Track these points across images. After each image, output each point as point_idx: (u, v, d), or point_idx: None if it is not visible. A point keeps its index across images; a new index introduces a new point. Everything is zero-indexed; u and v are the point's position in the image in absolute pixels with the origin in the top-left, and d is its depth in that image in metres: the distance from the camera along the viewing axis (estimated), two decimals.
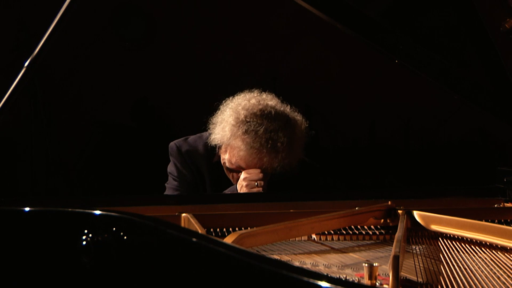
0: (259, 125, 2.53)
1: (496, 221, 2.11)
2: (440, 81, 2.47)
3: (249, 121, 2.54)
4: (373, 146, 6.53)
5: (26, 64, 2.13)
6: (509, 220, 2.15)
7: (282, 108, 2.62)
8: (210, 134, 2.65)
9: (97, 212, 1.56)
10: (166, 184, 2.80)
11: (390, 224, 2.12)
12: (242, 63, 6.26)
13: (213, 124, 2.65)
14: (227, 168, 2.65)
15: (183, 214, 2.03)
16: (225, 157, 2.63)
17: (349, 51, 5.48)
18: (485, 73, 2.44)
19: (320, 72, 6.43)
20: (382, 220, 2.13)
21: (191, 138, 2.77)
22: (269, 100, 2.63)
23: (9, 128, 5.48)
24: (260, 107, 2.58)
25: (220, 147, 2.66)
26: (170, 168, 2.77)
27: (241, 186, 2.57)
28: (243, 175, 2.57)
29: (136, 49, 6.17)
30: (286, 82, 6.30)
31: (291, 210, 2.12)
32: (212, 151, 2.69)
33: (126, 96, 5.93)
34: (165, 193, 2.74)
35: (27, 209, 1.65)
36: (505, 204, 2.30)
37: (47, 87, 5.78)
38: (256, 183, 2.54)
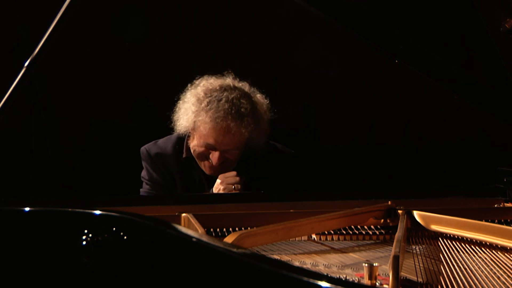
0: (220, 95, 2.58)
1: (496, 221, 2.11)
2: (440, 81, 2.47)
3: (209, 96, 2.59)
4: (373, 146, 6.53)
5: (26, 64, 2.13)
6: (509, 220, 2.15)
7: (241, 84, 2.69)
8: (178, 132, 2.68)
9: (97, 212, 1.56)
10: (140, 190, 2.81)
11: (390, 224, 2.12)
12: (242, 63, 6.26)
13: (176, 118, 2.67)
14: (198, 155, 2.64)
15: (183, 214, 2.03)
16: (194, 143, 2.63)
17: (349, 51, 5.47)
18: (485, 73, 2.44)
19: (320, 72, 6.43)
20: (382, 220, 2.13)
21: (161, 140, 2.78)
22: (228, 78, 2.69)
23: (9, 128, 5.47)
24: (219, 82, 2.65)
25: (188, 137, 2.68)
26: (143, 173, 2.79)
27: (218, 189, 2.57)
28: (219, 179, 2.59)
29: (136, 49, 6.17)
30: (286, 82, 6.30)
31: (291, 210, 2.12)
32: (181, 149, 2.71)
33: (126, 96, 5.93)
34: None
35: (27, 209, 1.65)
36: (505, 204, 2.30)
37: (47, 87, 5.78)
38: (233, 186, 2.55)
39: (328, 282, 1.16)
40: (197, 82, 2.70)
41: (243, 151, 2.68)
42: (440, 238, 1.98)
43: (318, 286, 1.16)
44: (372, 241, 2.02)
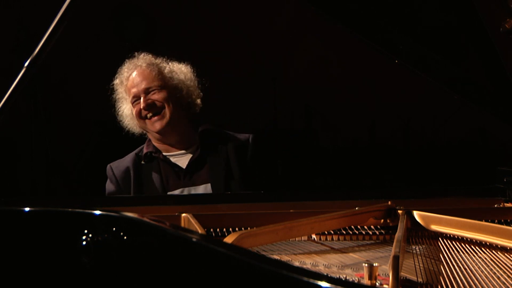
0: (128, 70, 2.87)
1: (496, 221, 2.11)
2: (440, 81, 2.47)
3: (126, 77, 2.87)
4: (373, 146, 6.53)
5: (26, 64, 2.13)
6: (509, 220, 2.15)
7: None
8: (124, 116, 2.91)
9: (97, 212, 1.56)
10: None
11: (390, 224, 2.11)
12: (242, 63, 6.27)
13: (118, 108, 2.93)
14: (137, 115, 2.82)
15: (183, 214, 2.03)
16: (134, 109, 2.83)
17: (349, 51, 5.48)
18: (485, 73, 2.44)
19: (320, 72, 6.43)
20: (382, 220, 2.13)
21: (126, 156, 2.93)
22: None
23: (9, 128, 5.47)
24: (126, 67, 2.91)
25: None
26: (106, 188, 2.89)
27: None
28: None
29: (136, 49, 6.17)
30: (286, 82, 6.30)
31: (291, 210, 2.12)
32: (140, 153, 2.88)
33: None
34: None
35: (27, 209, 1.65)
36: (505, 204, 2.30)
37: (47, 87, 5.78)
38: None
39: (328, 282, 1.16)
40: (115, 81, 2.95)
41: (177, 108, 2.82)
42: (440, 238, 1.98)
43: (318, 286, 1.16)
44: (372, 241, 2.02)
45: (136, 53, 2.91)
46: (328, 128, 6.49)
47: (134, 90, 2.81)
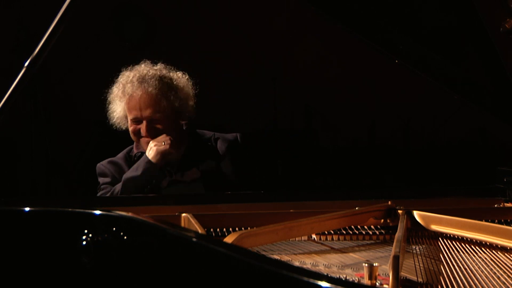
0: (129, 75, 2.85)
1: (496, 221, 2.11)
2: (440, 81, 2.47)
3: (124, 82, 2.84)
4: (373, 146, 6.53)
5: (26, 64, 2.13)
6: (509, 220, 2.15)
7: (156, 66, 2.92)
8: (115, 123, 2.90)
9: (97, 212, 1.56)
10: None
11: (390, 224, 2.11)
12: (242, 63, 6.26)
13: (110, 112, 2.89)
14: (134, 136, 2.82)
15: (183, 214, 2.03)
16: (129, 126, 2.82)
17: (349, 51, 5.47)
18: (485, 73, 2.43)
19: (320, 72, 6.43)
20: (382, 220, 2.13)
21: (115, 157, 2.95)
22: (142, 65, 2.93)
23: (9, 128, 5.47)
24: (133, 69, 2.90)
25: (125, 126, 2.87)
26: (100, 182, 2.89)
27: (150, 148, 2.76)
28: (151, 143, 2.78)
29: (136, 49, 6.17)
30: (286, 82, 6.29)
31: (291, 210, 2.12)
32: (131, 153, 2.89)
33: None
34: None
35: (27, 209, 1.65)
36: (505, 204, 2.30)
37: (47, 87, 5.78)
38: (163, 142, 2.75)
39: (328, 282, 1.16)
40: (118, 78, 2.92)
41: (176, 126, 2.84)
42: (440, 238, 1.98)
43: (318, 286, 1.16)
44: (372, 241, 2.02)
45: (143, 66, 2.87)
46: (328, 128, 6.49)
47: (136, 112, 2.79)
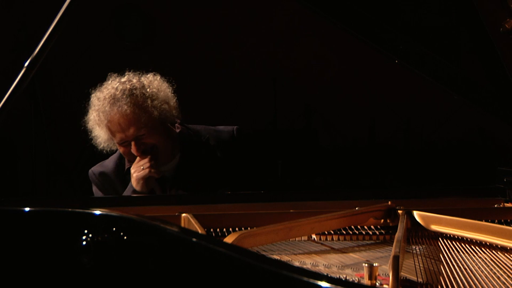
0: (99, 96, 2.72)
1: (496, 221, 2.11)
2: (440, 81, 2.47)
3: (99, 108, 2.70)
4: (373, 146, 6.53)
5: (26, 64, 2.13)
6: (509, 220, 2.15)
7: (124, 77, 2.77)
8: (102, 148, 2.77)
9: (97, 212, 1.56)
10: None
11: (390, 224, 2.11)
12: (242, 63, 6.27)
13: (97, 144, 2.77)
14: (127, 156, 2.71)
15: (183, 214, 2.03)
16: (120, 149, 2.71)
17: (349, 51, 5.48)
18: (485, 73, 2.44)
19: (320, 72, 6.43)
20: (382, 220, 2.13)
21: (106, 160, 2.87)
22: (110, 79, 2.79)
23: (9, 128, 5.48)
24: (102, 89, 2.75)
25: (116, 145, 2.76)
26: (94, 193, 2.85)
27: (133, 178, 2.65)
28: (131, 169, 2.67)
29: (136, 49, 6.18)
30: (286, 82, 6.30)
31: (291, 210, 2.12)
32: (122, 160, 2.79)
33: None
34: None
35: (27, 209, 1.65)
36: (505, 204, 2.30)
37: (47, 87, 5.79)
38: (141, 167, 2.64)
39: (328, 282, 1.16)
40: (90, 101, 2.80)
41: (165, 132, 2.72)
42: (440, 238, 1.98)
43: (318, 286, 1.16)
44: (372, 241, 2.02)
45: (110, 82, 2.73)
46: (328, 128, 6.49)
47: (120, 135, 2.65)
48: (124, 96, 2.64)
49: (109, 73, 2.78)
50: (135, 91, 2.67)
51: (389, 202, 2.15)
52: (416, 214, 2.06)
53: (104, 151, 2.79)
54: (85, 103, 2.78)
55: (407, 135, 6.49)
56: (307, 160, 6.15)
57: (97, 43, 6.16)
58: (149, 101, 2.67)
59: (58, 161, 6.04)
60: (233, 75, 6.15)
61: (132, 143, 2.64)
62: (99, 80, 2.82)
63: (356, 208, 2.10)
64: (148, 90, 2.70)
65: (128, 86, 2.67)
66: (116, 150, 2.78)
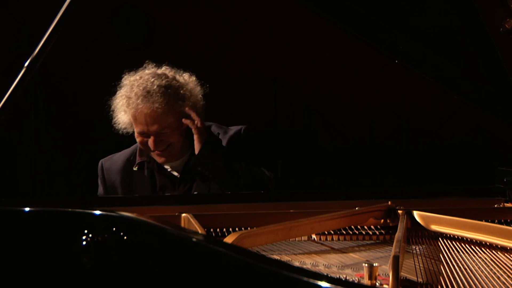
0: (132, 83, 2.72)
1: (496, 221, 2.11)
2: (440, 81, 2.47)
3: (129, 91, 2.71)
4: (373, 146, 6.53)
5: (26, 64, 2.13)
6: (509, 220, 2.15)
7: (160, 69, 2.81)
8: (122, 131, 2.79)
9: (97, 212, 1.56)
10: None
11: (390, 224, 2.11)
12: (242, 63, 6.26)
13: (115, 119, 2.78)
14: (142, 146, 2.72)
15: (183, 214, 2.03)
16: (138, 138, 2.72)
17: (349, 51, 5.48)
18: (485, 73, 2.44)
19: (320, 72, 6.43)
20: (382, 220, 2.13)
21: (118, 153, 2.88)
22: (146, 69, 2.82)
23: (9, 128, 5.47)
24: (138, 75, 2.77)
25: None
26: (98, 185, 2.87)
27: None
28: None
29: (136, 49, 6.17)
30: (286, 82, 6.29)
31: (291, 210, 2.12)
32: (133, 157, 2.81)
33: None
34: None
35: (27, 209, 1.66)
36: (505, 204, 2.30)
37: (47, 87, 5.78)
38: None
39: (328, 282, 1.16)
40: (121, 83, 2.80)
41: (184, 132, 2.73)
42: (440, 238, 1.98)
43: (318, 286, 1.16)
44: (372, 241, 2.02)
45: (147, 72, 2.75)
46: (328, 128, 6.49)
47: (142, 127, 2.67)
48: (158, 94, 2.65)
49: (147, 61, 2.81)
50: (170, 90, 2.69)
51: (389, 202, 2.16)
52: (416, 214, 2.06)
53: (120, 132, 2.79)
54: (115, 83, 2.80)
55: (407, 135, 6.48)
56: (307, 160, 6.15)
57: (97, 43, 6.16)
58: (179, 103, 2.69)
59: (58, 161, 6.03)
60: (233, 75, 6.15)
61: (152, 137, 2.67)
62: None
63: (356, 208, 2.10)
64: (181, 91, 2.72)
65: (164, 83, 2.69)
66: (132, 137, 2.79)
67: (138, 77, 2.73)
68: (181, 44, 6.13)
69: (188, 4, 6.28)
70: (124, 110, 2.71)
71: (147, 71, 2.76)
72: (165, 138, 2.68)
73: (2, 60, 5.49)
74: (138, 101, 2.65)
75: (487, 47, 2.28)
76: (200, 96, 2.79)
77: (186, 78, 2.79)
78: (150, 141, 2.67)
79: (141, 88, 2.67)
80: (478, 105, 2.47)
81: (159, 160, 2.74)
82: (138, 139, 2.73)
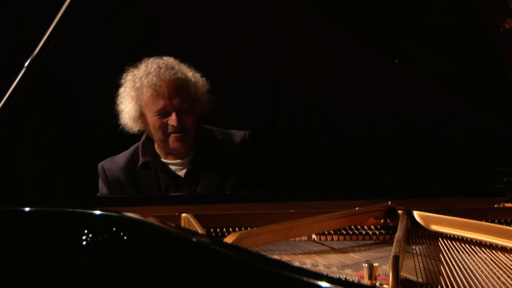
0: (147, 68, 2.71)
1: (496, 221, 2.11)
2: (440, 81, 2.47)
3: (140, 76, 2.70)
4: (373, 146, 6.53)
5: (26, 64, 2.13)
6: (509, 220, 2.15)
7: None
8: (125, 124, 2.77)
9: (97, 212, 1.56)
10: None
11: (390, 224, 2.12)
12: (242, 63, 6.26)
13: (121, 110, 2.77)
14: (160, 129, 2.67)
15: (183, 214, 2.03)
16: (151, 122, 2.69)
17: (349, 51, 5.47)
18: (485, 73, 2.44)
19: (320, 72, 6.42)
20: (382, 220, 2.13)
21: (117, 156, 2.84)
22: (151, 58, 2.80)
23: (9, 128, 5.47)
24: (143, 64, 2.76)
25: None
26: (99, 187, 2.83)
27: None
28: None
29: (136, 49, 6.17)
30: (286, 82, 6.29)
31: (291, 210, 2.12)
32: (137, 159, 2.77)
33: None
34: None
35: (27, 209, 1.66)
36: (505, 204, 2.30)
37: (47, 87, 5.78)
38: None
39: (328, 282, 1.16)
40: (125, 77, 2.79)
41: (195, 120, 2.73)
42: (440, 238, 1.98)
43: (318, 286, 1.16)
44: (372, 241, 2.02)
45: (156, 59, 2.75)
46: (328, 128, 6.49)
47: (165, 102, 2.63)
48: (177, 66, 2.71)
49: (144, 58, 2.79)
50: (185, 69, 2.73)
51: (389, 202, 2.16)
52: (416, 214, 2.06)
53: (125, 130, 2.77)
54: (119, 78, 2.79)
55: (407, 135, 6.48)
56: (307, 160, 6.15)
57: (97, 43, 6.15)
58: (194, 83, 2.72)
59: (58, 161, 6.03)
60: (233, 75, 6.15)
61: (174, 113, 2.64)
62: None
63: (356, 208, 2.10)
64: (191, 74, 2.75)
65: (173, 61, 2.74)
66: (132, 137, 2.78)
67: (141, 66, 2.74)
68: (181, 44, 6.12)
69: (188, 4, 6.28)
70: (131, 96, 2.69)
71: (152, 59, 2.76)
72: (184, 117, 2.66)
73: (2, 60, 5.49)
74: (155, 79, 2.64)
75: (487, 47, 2.28)
76: (206, 89, 2.79)
77: (196, 75, 2.80)
78: (172, 118, 2.64)
79: (151, 71, 2.67)
80: (478, 105, 2.47)
81: (175, 145, 2.68)
82: (157, 124, 2.66)
